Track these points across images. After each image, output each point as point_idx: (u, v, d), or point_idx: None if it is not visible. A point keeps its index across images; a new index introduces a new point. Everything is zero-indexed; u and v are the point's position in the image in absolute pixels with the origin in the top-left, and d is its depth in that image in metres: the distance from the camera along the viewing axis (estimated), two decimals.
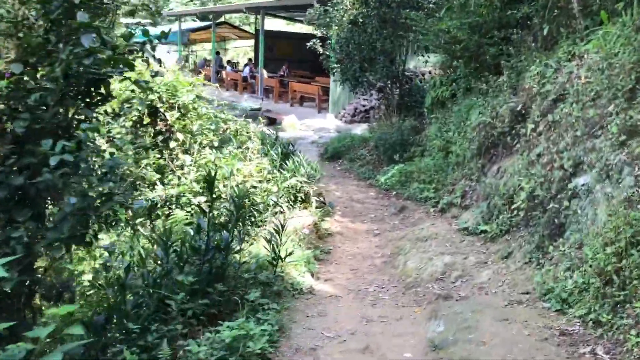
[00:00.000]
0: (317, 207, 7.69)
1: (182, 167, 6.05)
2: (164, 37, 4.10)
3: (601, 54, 6.02)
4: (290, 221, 6.71)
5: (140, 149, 5.88)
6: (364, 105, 17.08)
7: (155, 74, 4.18)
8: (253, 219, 6.16)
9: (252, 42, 30.87)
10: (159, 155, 5.91)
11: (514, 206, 5.96)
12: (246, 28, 37.76)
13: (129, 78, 4.12)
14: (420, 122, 12.26)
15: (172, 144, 6.06)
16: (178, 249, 4.06)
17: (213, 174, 4.03)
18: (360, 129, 15.25)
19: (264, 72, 23.37)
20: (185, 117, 6.13)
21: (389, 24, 12.48)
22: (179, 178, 5.95)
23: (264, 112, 18.74)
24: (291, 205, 7.36)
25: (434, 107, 11.63)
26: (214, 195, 4.58)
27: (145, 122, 5.87)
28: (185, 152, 6.30)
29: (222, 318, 3.79)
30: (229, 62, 31.37)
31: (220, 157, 6.23)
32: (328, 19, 13.04)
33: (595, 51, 6.29)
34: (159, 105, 5.87)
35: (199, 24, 34.24)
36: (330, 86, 17.94)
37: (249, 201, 6.21)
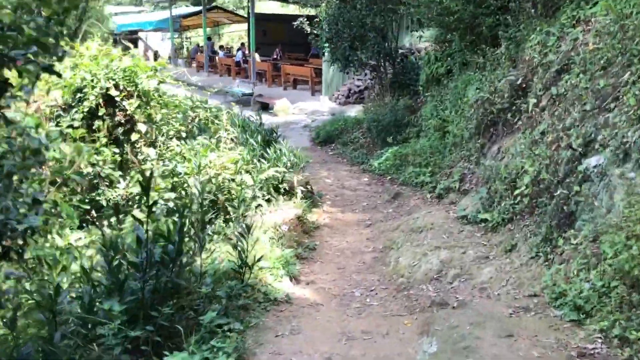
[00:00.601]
0: (302, 198, 7.06)
1: (146, 161, 5.42)
2: None
3: (611, 16, 5.33)
4: (270, 216, 6.09)
5: (96, 144, 5.25)
6: (358, 86, 16.36)
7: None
8: (228, 217, 5.54)
9: (246, 26, 30.07)
10: (117, 150, 5.27)
11: (517, 192, 5.31)
12: (241, 12, 36.85)
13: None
14: (415, 101, 11.57)
15: (134, 137, 5.42)
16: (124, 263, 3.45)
17: (149, 175, 3.37)
18: (354, 111, 14.56)
19: (257, 56, 22.60)
20: (148, 106, 5.48)
21: None
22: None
23: (256, 97, 18.07)
24: (273, 197, 6.73)
25: (428, 84, 10.94)
26: (150, 201, 3.91)
27: (100, 114, 5.22)
28: (151, 144, 5.67)
29: (173, 345, 3.20)
30: (221, 47, 30.54)
31: (191, 149, 5.60)
32: None
33: (604, 13, 5.59)
34: (114, 93, 5.21)
35: (191, 9, 33.38)
36: (323, 67, 17.20)
37: (223, 196, 5.59)
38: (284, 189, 6.94)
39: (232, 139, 6.67)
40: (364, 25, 11.78)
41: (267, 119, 16.03)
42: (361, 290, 4.88)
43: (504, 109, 7.28)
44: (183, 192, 5.33)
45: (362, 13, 11.70)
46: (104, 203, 5.25)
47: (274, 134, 8.10)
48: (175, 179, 5.44)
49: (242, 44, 26.38)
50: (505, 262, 4.76)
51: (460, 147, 8.24)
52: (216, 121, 6.16)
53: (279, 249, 5.36)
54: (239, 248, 3.95)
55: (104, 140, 5.27)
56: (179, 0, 32.96)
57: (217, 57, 27.25)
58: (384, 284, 5.03)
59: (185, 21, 32.90)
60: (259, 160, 6.84)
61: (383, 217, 7.25)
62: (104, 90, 5.18)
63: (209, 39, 29.86)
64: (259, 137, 7.57)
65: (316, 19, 13.18)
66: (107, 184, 5.33)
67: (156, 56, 35.17)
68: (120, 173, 5.41)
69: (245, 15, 32.31)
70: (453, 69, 9.99)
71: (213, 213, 5.64)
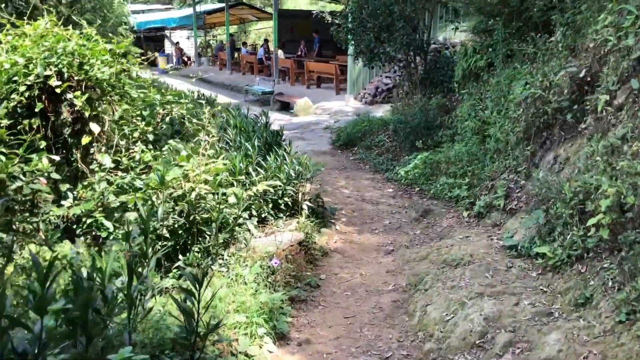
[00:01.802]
0: (310, 216, 5.74)
1: (99, 170, 4.18)
2: None
3: None
4: (262, 242, 4.78)
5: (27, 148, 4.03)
6: (386, 84, 14.97)
7: None
8: (200, 247, 4.26)
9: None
10: (57, 157, 4.04)
11: (590, 221, 3.87)
12: (268, 10, 35.73)
13: None
14: (450, 99, 10.13)
15: (85, 140, 4.19)
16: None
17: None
18: (382, 111, 13.18)
19: (280, 52, 21.38)
20: (103, 101, 4.25)
21: None
22: (93, 188, 4.10)
23: (276, 95, 16.83)
24: (271, 216, 5.43)
25: (465, 80, 9.49)
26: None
27: (37, 109, 4.01)
28: (112, 149, 4.44)
29: None
30: (244, 43, 29.46)
31: (158, 156, 4.34)
32: None
33: None
34: (54, 83, 3.99)
35: (215, 5, 32.38)
36: (348, 63, 15.84)
37: (199, 217, 4.31)
38: (286, 204, 5.63)
39: (227, 143, 5.43)
40: (392, 13, 10.40)
41: (286, 119, 14.81)
42: (374, 358, 3.53)
43: (561, 108, 5.84)
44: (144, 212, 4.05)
45: (390, 0, 10.31)
46: (42, 226, 4.03)
47: (279, 137, 6.79)
48: (139, 194, 4.18)
49: (266, 40, 25.19)
50: (579, 324, 3.35)
51: (505, 154, 6.81)
52: (195, 120, 4.89)
53: (267, 291, 4.05)
54: (187, 308, 2.65)
55: (42, 144, 4.05)
56: None
57: (239, 55, 26.13)
58: (405, 347, 3.67)
59: (210, 18, 31.93)
60: (255, 170, 5.54)
61: (409, 241, 5.87)
62: (41, 79, 3.96)
63: (231, 35, 28.82)
64: (259, 141, 6.28)
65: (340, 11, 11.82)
66: (50, 199, 4.12)
67: (181, 54, 34.42)
68: (68, 186, 4.18)
69: (272, 12, 31.24)
70: (495, 62, 8.53)
71: (183, 241, 4.37)
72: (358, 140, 10.88)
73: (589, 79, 5.60)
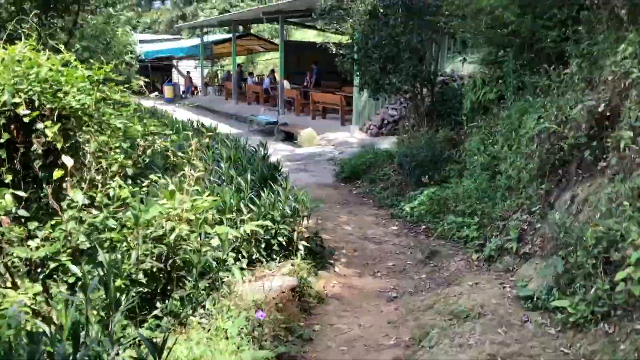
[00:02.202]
0: (305, 257, 5.30)
1: (67, 208, 3.78)
2: None
3: None
4: (250, 289, 4.34)
5: None
6: (392, 116, 14.64)
7: None
8: (180, 295, 3.82)
9: None
10: (23, 193, 3.65)
11: (619, 275, 3.41)
12: (276, 41, 35.85)
13: None
14: (457, 133, 9.73)
15: (57, 174, 3.80)
16: None
17: None
18: (387, 143, 12.81)
19: (286, 83, 21.19)
20: (78, 131, 3.88)
21: (416, 14, 10.06)
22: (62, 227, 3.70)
23: (280, 125, 16.54)
24: (262, 258, 4.99)
25: (474, 113, 9.12)
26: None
27: (3, 140, 3.64)
28: (89, 184, 4.04)
29: None
30: (250, 73, 29.37)
31: (136, 192, 3.94)
32: (342, 11, 10.68)
33: None
34: (23, 112, 3.63)
35: (223, 36, 32.50)
36: (354, 94, 15.56)
37: (175, 263, 3.88)
38: (280, 244, 5.19)
39: (220, 177, 5.04)
40: (398, 44, 10.10)
41: (289, 149, 14.47)
42: None
43: (579, 145, 5.43)
44: (118, 256, 3.64)
45: (396, 30, 10.04)
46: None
47: (277, 170, 6.39)
48: (114, 235, 3.77)
49: (272, 71, 25.09)
50: None
51: (517, 192, 6.38)
52: (180, 153, 4.50)
53: (252, 347, 3.60)
54: None
55: (8, 178, 3.66)
56: (214, 26, 32.10)
57: (245, 85, 26.02)
58: None
59: (218, 48, 31.95)
60: (247, 206, 5.12)
61: (413, 287, 5.40)
62: (8, 107, 3.60)
63: (239, 66, 28.79)
64: (255, 174, 5.89)
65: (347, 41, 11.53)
66: (17, 240, 3.71)
67: (185, 85, 34.43)
68: (36, 224, 3.78)
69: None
70: (505, 95, 8.17)
71: (162, 286, 3.93)
72: (362, 173, 10.49)
73: (608, 113, 5.20)
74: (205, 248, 3.93)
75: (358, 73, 10.89)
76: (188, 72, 33.55)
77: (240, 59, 36.48)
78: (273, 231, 5.06)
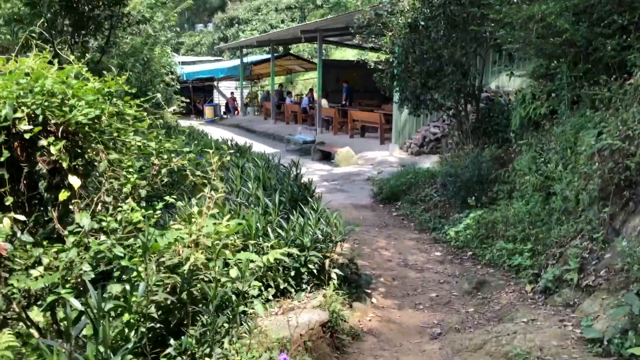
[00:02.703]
0: (338, 288, 4.80)
1: (70, 234, 3.40)
2: None
3: None
4: (275, 324, 3.86)
5: None
6: (434, 133, 14.05)
7: None
8: (196, 330, 3.37)
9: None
10: (23, 217, 3.30)
11: None
12: (316, 60, 35.76)
13: None
14: (505, 151, 9.09)
15: (62, 195, 3.44)
16: None
17: None
18: (429, 162, 12.24)
19: (324, 101, 20.86)
20: (87, 149, 3.53)
21: (460, 26, 9.54)
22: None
23: (317, 144, 16.15)
24: (291, 288, 4.52)
25: (523, 130, 8.50)
26: None
27: (3, 159, 3.30)
28: (101, 206, 3.68)
29: None
30: (289, 93, 29.26)
31: (150, 217, 3.54)
32: (381, 25, 10.25)
33: None
34: (24, 127, 3.29)
35: (263, 56, 32.58)
36: (393, 112, 15.06)
37: (191, 295, 3.45)
38: (310, 272, 4.71)
39: (248, 198, 4.61)
40: (440, 58, 9.59)
41: (326, 169, 14.03)
42: None
43: None
44: (127, 287, 3.24)
45: (438, 44, 9.53)
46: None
47: (309, 191, 5.92)
48: (124, 262, 3.37)
49: (310, 90, 24.87)
50: None
51: (575, 216, 5.74)
52: (198, 173, 4.08)
53: None
54: None
55: (9, 200, 3.32)
56: (254, 47, 32.21)
57: (284, 105, 25.87)
58: None
59: (257, 69, 32.03)
60: (274, 231, 4.67)
61: (460, 322, 4.81)
62: (9, 123, 3.27)
63: (279, 86, 28.73)
64: (285, 195, 5.44)
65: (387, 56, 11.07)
66: (20, 268, 3.36)
67: (228, 104, 34.64)
68: (41, 251, 3.42)
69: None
70: (558, 109, 7.54)
71: (177, 321, 3.50)
72: (402, 194, 9.93)
73: None
74: (225, 279, 3.47)
75: (398, 89, 10.40)
76: (232, 93, 33.78)
77: (279, 79, 36.55)
78: (302, 258, 4.58)
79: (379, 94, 20.36)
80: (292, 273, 4.61)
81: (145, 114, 3.90)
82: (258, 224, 4.60)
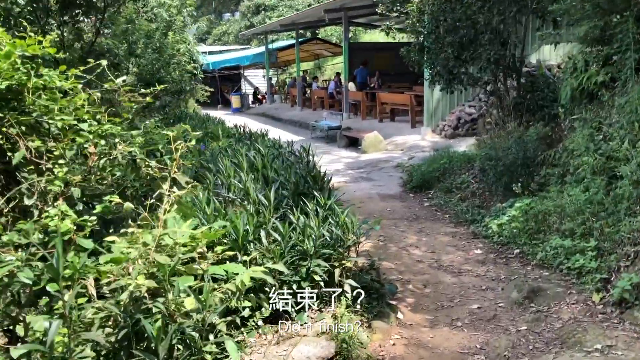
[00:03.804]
0: (353, 302, 3.78)
1: None
2: None
3: None
4: (267, 358, 2.88)
5: None
6: (469, 114, 12.82)
7: None
8: None
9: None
10: None
11: None
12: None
13: None
14: (553, 129, 7.88)
15: None
16: None
17: None
18: (464, 145, 11.08)
19: (351, 84, 19.73)
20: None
21: None
22: None
23: (343, 130, 15.09)
24: (291, 305, 3.53)
25: (575, 103, 7.30)
26: None
27: None
28: (16, 211, 2.76)
29: None
30: (315, 78, 28.18)
31: (84, 221, 2.59)
32: None
33: None
34: None
35: (288, 42, 31.55)
36: (425, 92, 13.85)
37: (133, 334, 2.49)
38: (316, 285, 3.71)
39: (246, 193, 3.62)
40: (475, 25, 8.40)
41: (352, 156, 12.97)
42: None
43: None
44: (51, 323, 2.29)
45: (472, 9, 8.33)
46: None
47: (324, 182, 4.89)
48: (49, 287, 2.44)
49: (337, 74, 23.73)
50: None
51: None
52: (153, 164, 3.08)
53: None
54: None
55: None
56: (279, 32, 31.23)
57: (310, 90, 24.83)
58: None
59: (284, 55, 31.02)
60: (268, 235, 3.67)
61: (510, 347, 3.74)
62: None
63: (304, 72, 27.68)
64: (288, 188, 4.44)
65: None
66: None
67: (256, 93, 33.79)
68: None
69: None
70: (619, 77, 6.32)
71: None
72: (435, 181, 8.81)
73: None
74: (179, 311, 2.50)
75: (428, 63, 9.24)
76: (270, 79, 32.94)
77: (307, 65, 35.48)
78: (304, 269, 3.59)
79: (410, 77, 19.15)
80: (295, 286, 3.61)
81: (80, 86, 2.93)
82: (248, 227, 3.62)
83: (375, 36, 34.80)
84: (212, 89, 31.56)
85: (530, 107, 8.76)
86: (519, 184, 6.58)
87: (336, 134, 15.40)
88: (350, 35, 31.18)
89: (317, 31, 37.05)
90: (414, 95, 15.38)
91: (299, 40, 27.54)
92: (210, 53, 34.95)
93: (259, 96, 33.36)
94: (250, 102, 32.04)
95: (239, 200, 4.18)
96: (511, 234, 5.91)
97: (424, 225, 7.06)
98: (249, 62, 30.48)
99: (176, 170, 2.90)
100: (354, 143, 14.46)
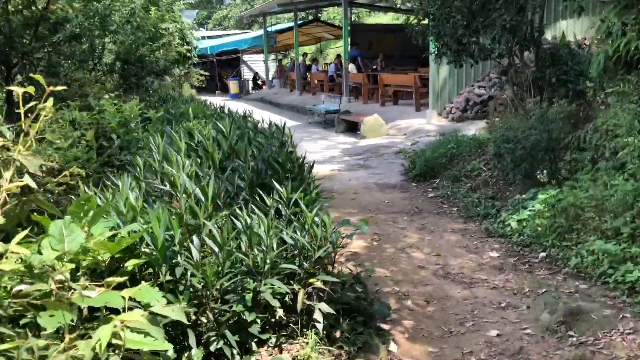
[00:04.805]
0: (328, 335, 2.68)
1: None
2: None
3: None
4: None
5: None
6: (479, 95, 11.64)
7: None
8: None
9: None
10: None
11: None
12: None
13: None
14: (582, 107, 6.73)
15: None
16: None
17: None
18: (474, 129, 9.94)
19: (352, 66, 18.52)
20: None
21: None
22: None
23: (341, 114, 13.93)
24: (229, 346, 2.42)
25: (608, 75, 6.14)
26: None
27: None
28: None
29: None
30: (314, 60, 26.95)
31: None
32: None
33: None
34: None
35: (288, 25, 30.29)
36: (430, 70, 12.63)
37: None
38: (270, 318, 2.61)
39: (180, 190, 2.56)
40: None
41: (350, 142, 11.81)
42: None
43: None
44: None
45: None
46: None
47: (284, 169, 3.73)
48: None
49: (338, 56, 22.50)
50: None
51: None
52: None
53: None
54: None
55: None
56: (277, 13, 29.96)
57: (310, 74, 23.62)
58: None
59: (283, 38, 29.78)
60: (202, 243, 2.56)
61: None
62: None
63: (304, 55, 26.42)
64: (245, 177, 3.33)
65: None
66: None
67: (256, 78, 32.59)
68: None
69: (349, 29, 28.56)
70: None
71: None
72: (441, 168, 7.68)
73: None
74: None
75: (433, 34, 8.05)
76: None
77: (309, 50, 34.19)
78: (249, 295, 2.49)
79: (415, 60, 17.96)
80: (236, 319, 2.51)
81: None
82: (173, 233, 2.52)
83: (380, 19, 33.56)
84: (209, 74, 30.45)
85: (552, 82, 7.58)
86: (545, 172, 5.44)
87: (334, 118, 14.25)
88: (353, 19, 29.94)
89: (319, 14, 35.75)
90: (418, 76, 14.18)
91: (300, 22, 26.29)
92: (209, 37, 33.76)
93: (259, 81, 32.21)
94: (250, 88, 30.88)
95: (178, 194, 3.06)
96: (535, 233, 4.78)
97: (428, 220, 5.93)
98: (247, 45, 29.25)
99: (21, 149, 1.79)
100: (353, 128, 13.31)
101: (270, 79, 29.90)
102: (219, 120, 6.76)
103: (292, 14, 26.71)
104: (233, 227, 2.73)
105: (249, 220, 2.65)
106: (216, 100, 15.84)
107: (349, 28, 20.39)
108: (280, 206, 3.00)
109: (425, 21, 8.44)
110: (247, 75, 33.57)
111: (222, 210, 2.88)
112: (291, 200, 2.98)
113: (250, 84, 31.65)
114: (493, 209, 5.80)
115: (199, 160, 3.49)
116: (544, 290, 3.89)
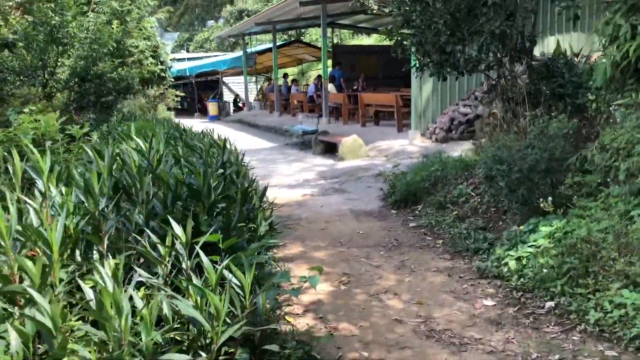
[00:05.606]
0: None
1: None
2: None
3: None
4: None
5: None
6: (464, 114, 10.82)
7: None
8: None
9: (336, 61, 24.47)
10: None
11: None
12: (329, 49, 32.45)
13: None
14: (586, 122, 5.88)
15: None
16: None
17: None
18: (459, 150, 9.10)
19: (331, 86, 17.70)
20: None
21: None
22: None
23: (319, 134, 13.02)
24: None
25: (614, 86, 5.33)
26: None
27: None
28: None
29: None
30: (293, 80, 26.22)
31: None
32: None
33: None
34: None
35: (268, 46, 29.61)
36: (412, 88, 11.80)
37: None
38: None
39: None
40: None
41: (328, 164, 10.89)
42: None
43: None
44: None
45: None
46: None
47: (243, 196, 2.75)
48: None
49: (319, 76, 21.74)
50: None
51: None
52: None
53: None
54: None
55: None
56: (257, 33, 29.20)
57: (290, 95, 22.85)
58: None
59: (263, 59, 29.07)
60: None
61: None
62: None
63: (284, 76, 25.65)
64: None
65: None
66: None
67: (236, 100, 31.73)
68: None
69: (330, 50, 27.83)
70: None
71: None
72: (424, 193, 6.76)
73: None
74: None
75: (414, 42, 7.18)
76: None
77: (291, 71, 33.48)
78: None
79: (398, 81, 17.23)
80: None
81: None
82: None
83: (363, 41, 33.05)
84: (188, 97, 29.52)
85: (546, 97, 6.75)
86: (549, 198, 4.52)
87: (312, 139, 13.34)
88: (336, 41, 29.24)
89: (302, 36, 35.15)
90: (400, 96, 13.36)
91: (281, 43, 25.48)
92: (189, 59, 32.95)
93: (240, 103, 31.39)
94: (231, 110, 30.03)
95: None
96: (539, 276, 3.84)
97: (408, 256, 4.98)
98: (226, 66, 28.49)
99: None
100: (331, 149, 12.39)
101: (252, 100, 29.10)
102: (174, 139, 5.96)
103: (268, 33, 25.95)
104: (81, 297, 1.76)
105: (107, 282, 1.66)
106: (194, 122, 14.87)
107: (328, 48, 19.69)
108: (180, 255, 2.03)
109: (406, 30, 7.59)
110: (228, 97, 32.75)
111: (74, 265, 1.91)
112: (196, 245, 2.01)
113: (232, 106, 30.82)
114: (485, 243, 4.87)
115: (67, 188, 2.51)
116: (556, 358, 2.94)
